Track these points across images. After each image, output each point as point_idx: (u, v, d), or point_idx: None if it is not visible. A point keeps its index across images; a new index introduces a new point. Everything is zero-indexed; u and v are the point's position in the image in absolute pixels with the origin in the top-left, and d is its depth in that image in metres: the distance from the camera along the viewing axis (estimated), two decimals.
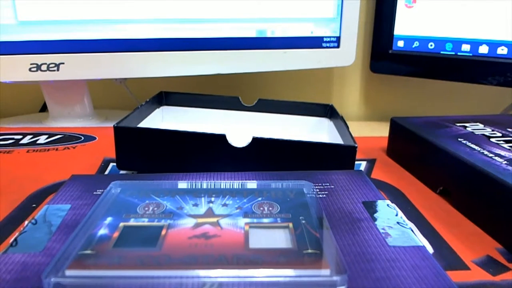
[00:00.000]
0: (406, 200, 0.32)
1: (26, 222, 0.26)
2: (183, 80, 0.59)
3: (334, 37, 0.51)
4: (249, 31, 0.48)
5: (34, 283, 0.19)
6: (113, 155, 0.34)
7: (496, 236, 0.26)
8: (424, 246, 0.22)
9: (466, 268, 0.23)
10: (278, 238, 0.21)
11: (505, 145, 0.33)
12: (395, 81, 0.63)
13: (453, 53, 0.51)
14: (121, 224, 0.22)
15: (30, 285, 0.19)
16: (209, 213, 0.24)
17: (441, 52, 0.52)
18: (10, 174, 0.35)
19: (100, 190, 0.27)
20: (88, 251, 0.20)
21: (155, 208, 0.24)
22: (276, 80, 0.64)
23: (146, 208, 0.24)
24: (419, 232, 0.27)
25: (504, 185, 0.26)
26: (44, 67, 0.45)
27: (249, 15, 0.48)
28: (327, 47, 0.51)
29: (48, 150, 0.41)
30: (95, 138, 0.44)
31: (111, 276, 0.18)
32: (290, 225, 0.22)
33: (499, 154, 0.31)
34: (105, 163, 0.38)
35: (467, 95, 0.63)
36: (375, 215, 0.25)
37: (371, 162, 0.39)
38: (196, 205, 0.25)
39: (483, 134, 0.36)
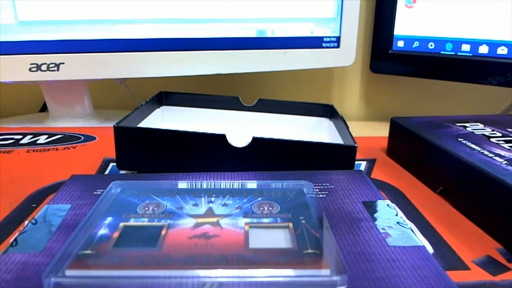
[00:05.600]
0: (406, 200, 0.32)
1: (26, 222, 0.26)
2: (183, 80, 0.59)
3: (334, 37, 0.51)
4: (249, 31, 0.48)
5: (34, 283, 0.19)
6: (113, 155, 0.34)
7: (496, 236, 0.26)
8: (424, 246, 0.22)
9: (466, 268, 0.23)
10: (278, 238, 0.21)
11: (505, 145, 0.33)
12: (395, 81, 0.63)
13: (453, 53, 0.51)
14: (121, 224, 0.22)
15: (30, 285, 0.19)
16: (209, 213, 0.24)
17: (441, 52, 0.52)
18: (10, 174, 0.35)
19: (100, 190, 0.27)
20: (88, 251, 0.20)
21: (155, 208, 0.24)
22: (276, 80, 0.64)
23: (146, 208, 0.24)
24: (419, 232, 0.27)
25: (504, 185, 0.26)
26: (44, 67, 0.45)
27: (249, 15, 0.48)
28: (327, 47, 0.51)
29: (48, 150, 0.41)
30: (95, 138, 0.44)
31: (111, 276, 0.18)
32: (290, 225, 0.22)
33: (499, 154, 0.31)
34: (105, 163, 0.38)
35: (467, 95, 0.63)
36: (375, 215, 0.25)
37: (371, 162, 0.39)
38: (196, 205, 0.25)
39: (483, 134, 0.36)
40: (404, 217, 0.25)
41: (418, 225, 0.28)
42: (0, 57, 0.44)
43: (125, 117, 0.35)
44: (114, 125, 0.32)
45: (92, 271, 0.19)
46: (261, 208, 0.24)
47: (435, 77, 0.54)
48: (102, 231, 0.22)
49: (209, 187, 0.27)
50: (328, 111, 0.44)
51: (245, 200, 0.25)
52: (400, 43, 0.54)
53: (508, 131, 0.37)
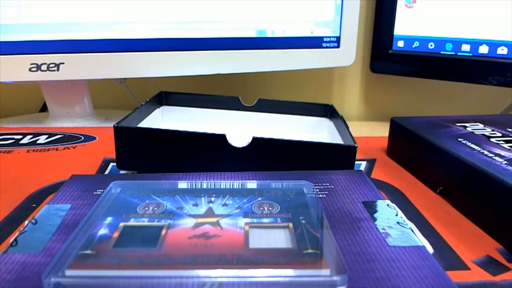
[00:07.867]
0: (406, 200, 0.32)
1: (26, 222, 0.26)
2: (183, 80, 0.59)
3: (334, 37, 0.51)
4: (249, 31, 0.48)
5: (34, 283, 0.19)
6: (113, 155, 0.34)
7: (496, 236, 0.26)
8: (424, 246, 0.22)
9: (466, 268, 0.23)
10: (278, 238, 0.21)
11: (505, 145, 0.33)
12: (395, 81, 0.63)
13: (453, 53, 0.51)
14: (121, 224, 0.22)
15: (30, 285, 0.19)
16: (209, 213, 0.24)
17: (441, 52, 0.52)
18: (10, 174, 0.35)
19: (100, 190, 0.27)
20: (88, 251, 0.20)
21: (155, 208, 0.24)
22: (276, 80, 0.64)
23: (146, 208, 0.24)
24: (419, 232, 0.27)
25: (504, 185, 0.26)
26: (44, 67, 0.45)
27: (249, 15, 0.48)
28: (327, 47, 0.51)
29: (48, 150, 0.41)
30: (95, 138, 0.44)
31: (111, 276, 0.18)
32: (290, 225, 0.22)
33: (499, 154, 0.31)
34: (105, 163, 0.38)
35: (467, 95, 0.63)
36: (375, 215, 0.25)
37: (371, 162, 0.39)
38: (196, 205, 0.25)
39: (483, 134, 0.36)
40: (404, 217, 0.25)
41: (418, 225, 0.28)
42: (0, 57, 0.44)
43: (125, 117, 0.35)
44: (114, 125, 0.32)
45: (92, 271, 0.19)
46: (261, 208, 0.24)
47: (435, 77, 0.54)
48: (102, 231, 0.22)
49: (209, 187, 0.27)
50: (328, 111, 0.44)
51: (245, 200, 0.25)
52: (400, 43, 0.54)
53: (508, 131, 0.37)
